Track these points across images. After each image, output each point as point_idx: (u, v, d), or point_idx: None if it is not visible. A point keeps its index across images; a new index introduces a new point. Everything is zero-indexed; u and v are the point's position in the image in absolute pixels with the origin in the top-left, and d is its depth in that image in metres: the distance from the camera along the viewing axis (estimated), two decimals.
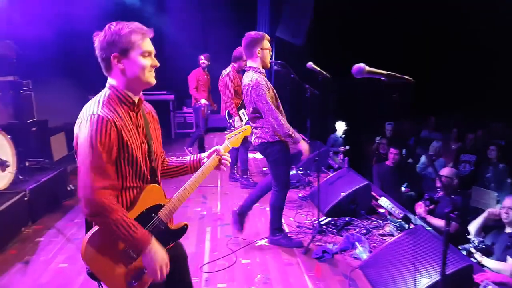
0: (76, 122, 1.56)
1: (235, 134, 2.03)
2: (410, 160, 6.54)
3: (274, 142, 3.37)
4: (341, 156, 6.46)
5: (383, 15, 7.42)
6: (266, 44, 3.32)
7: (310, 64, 3.47)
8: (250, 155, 7.34)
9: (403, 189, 5.31)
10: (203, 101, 6.53)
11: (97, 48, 1.60)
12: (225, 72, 5.31)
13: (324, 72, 3.46)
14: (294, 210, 4.53)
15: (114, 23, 1.59)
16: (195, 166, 1.92)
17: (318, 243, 3.68)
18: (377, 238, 3.65)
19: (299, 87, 3.73)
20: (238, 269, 3.36)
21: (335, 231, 3.85)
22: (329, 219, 4.05)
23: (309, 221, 4.17)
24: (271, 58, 3.49)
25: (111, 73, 1.63)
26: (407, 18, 7.52)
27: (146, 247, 1.56)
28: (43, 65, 6.30)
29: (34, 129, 5.43)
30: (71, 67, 6.98)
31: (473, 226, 3.47)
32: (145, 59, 1.61)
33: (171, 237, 1.79)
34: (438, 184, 4.09)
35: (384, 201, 3.81)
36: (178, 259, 1.91)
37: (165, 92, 8.88)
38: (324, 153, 6.27)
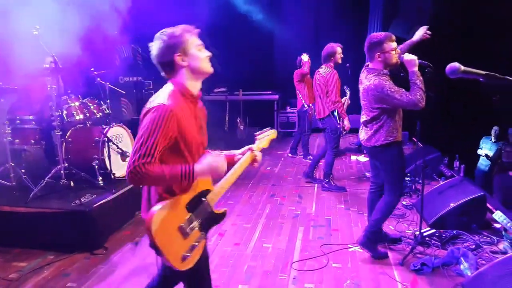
0: (142, 111, 1.78)
1: (264, 137, 2.27)
2: None
3: (390, 144, 3.22)
4: (457, 163, 5.84)
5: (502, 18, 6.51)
6: (388, 46, 3.13)
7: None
8: (353, 157, 7.15)
9: None
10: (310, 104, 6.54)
11: (156, 56, 1.82)
12: (326, 71, 5.17)
13: (430, 65, 3.17)
14: (396, 218, 4.25)
15: (164, 31, 1.82)
16: (229, 161, 2.06)
17: (418, 255, 3.40)
18: (487, 255, 3.23)
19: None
20: (327, 272, 3.29)
21: (439, 243, 3.52)
22: (433, 230, 3.71)
23: (411, 231, 3.88)
24: None
25: (175, 72, 1.84)
26: None
27: (194, 170, 1.72)
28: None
29: None
30: None
31: None
32: (200, 51, 1.84)
33: (214, 220, 1.97)
34: None
35: (499, 216, 3.35)
36: (204, 256, 2.04)
37: (270, 92, 9.11)
38: (437, 159, 5.76)
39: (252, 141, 7.82)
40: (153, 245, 1.69)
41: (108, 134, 4.35)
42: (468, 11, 7.00)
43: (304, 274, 3.26)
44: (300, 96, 6.62)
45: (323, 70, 5.18)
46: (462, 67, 1.34)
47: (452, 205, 3.80)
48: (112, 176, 4.37)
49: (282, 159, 7.21)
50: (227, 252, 3.64)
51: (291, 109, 9.31)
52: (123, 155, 4.56)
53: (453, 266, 3.16)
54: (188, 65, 1.81)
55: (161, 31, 1.83)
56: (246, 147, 2.12)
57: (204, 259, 2.06)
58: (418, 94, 2.96)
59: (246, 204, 4.86)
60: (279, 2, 9.56)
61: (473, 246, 3.38)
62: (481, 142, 6.50)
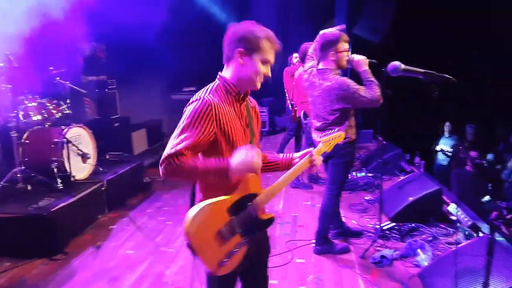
0: (186, 106, 1.72)
1: (330, 139, 2.05)
2: (498, 167, 5.91)
3: (344, 144, 3.13)
4: (418, 159, 6.04)
5: (471, 16, 6.81)
6: (342, 46, 3.07)
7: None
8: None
9: (487, 198, 4.82)
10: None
11: (227, 37, 1.73)
12: (300, 70, 5.19)
13: (376, 62, 3.16)
14: (359, 213, 4.36)
15: (252, 22, 1.72)
16: (287, 164, 1.94)
17: (378, 248, 3.49)
18: (443, 246, 3.36)
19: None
20: (291, 267, 3.33)
21: (398, 236, 3.63)
22: (393, 224, 3.83)
23: (372, 225, 3.98)
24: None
25: (229, 63, 1.75)
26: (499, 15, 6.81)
27: (228, 165, 1.60)
28: (128, 67, 6.89)
29: (116, 125, 5.94)
30: (154, 69, 7.51)
31: None
32: (262, 66, 1.71)
33: (258, 226, 1.83)
34: None
35: (453, 208, 3.49)
36: (263, 252, 2.01)
37: None
38: (398, 156, 5.93)
39: None
40: (190, 247, 1.61)
41: (68, 135, 4.22)
42: (429, 13, 7.26)
43: (268, 271, 3.28)
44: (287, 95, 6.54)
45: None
46: (403, 66, 1.39)
47: (410, 199, 3.93)
48: (72, 179, 4.24)
49: None
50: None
51: (261, 108, 9.34)
52: (84, 157, 4.44)
53: (411, 257, 3.26)
54: (242, 65, 1.70)
55: (251, 21, 1.72)
56: (306, 151, 1.96)
57: (264, 254, 2.02)
58: (377, 90, 2.96)
59: None
60: (248, 1, 9.58)
61: (430, 238, 3.50)
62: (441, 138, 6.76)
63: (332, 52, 3.07)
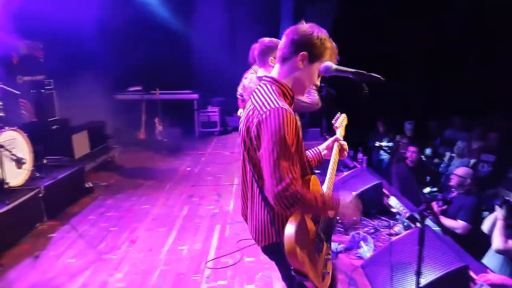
0: (247, 120, 1.57)
1: (341, 124, 2.11)
2: (436, 160, 6.29)
3: None
4: (360, 155, 6.29)
5: (406, 16, 7.22)
6: None
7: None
8: None
9: (427, 189, 5.11)
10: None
11: (290, 36, 1.60)
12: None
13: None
14: None
15: (322, 31, 1.62)
16: (319, 159, 1.95)
17: None
18: (384, 237, 3.52)
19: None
20: (241, 267, 3.34)
21: (342, 230, 3.75)
22: (337, 217, 3.94)
23: None
24: None
25: (284, 64, 1.63)
26: (429, 18, 7.29)
27: (335, 205, 1.58)
28: (67, 66, 6.56)
29: (55, 127, 5.62)
30: (96, 68, 7.22)
31: (486, 225, 3.26)
32: (317, 78, 1.67)
33: (331, 226, 1.80)
34: (451, 184, 3.89)
35: (393, 201, 3.67)
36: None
37: (189, 91, 8.99)
38: None
39: (173, 142, 7.56)
40: (297, 272, 1.47)
41: (0, 140, 3.94)
42: (369, 15, 7.58)
43: (218, 272, 3.27)
44: None
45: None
46: (334, 66, 1.43)
47: (353, 193, 4.06)
48: (6, 186, 3.96)
49: (203, 159, 7.14)
50: (139, 259, 3.51)
51: (212, 108, 9.28)
52: (19, 162, 4.15)
53: (354, 250, 3.38)
54: (300, 70, 1.60)
55: (321, 29, 1.61)
56: (330, 140, 1.96)
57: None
58: (316, 95, 3.05)
59: (163, 208, 4.73)
60: (194, 1, 9.45)
61: (372, 230, 3.65)
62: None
63: (272, 58, 3.04)
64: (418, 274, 1.60)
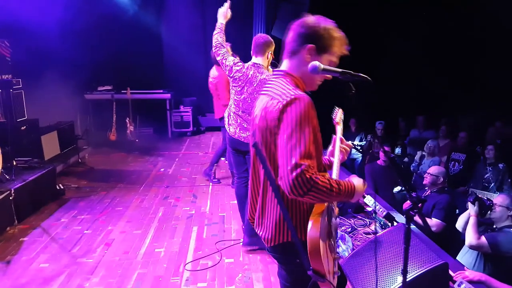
0: (266, 112, 1.50)
1: (340, 119, 2.10)
2: (406, 159, 6.48)
3: None
4: None
5: (380, 14, 7.38)
6: (271, 49, 3.35)
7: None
8: None
9: (398, 188, 5.25)
10: None
11: (296, 29, 1.58)
12: (215, 73, 5.21)
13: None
14: None
15: (325, 19, 1.58)
16: (328, 164, 1.89)
17: None
18: (361, 236, 3.61)
19: None
20: (220, 268, 3.33)
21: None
22: None
23: None
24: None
25: (292, 58, 1.60)
26: (402, 18, 7.49)
27: (354, 191, 1.49)
28: (35, 65, 6.33)
29: (23, 128, 5.42)
30: (65, 68, 7.00)
31: (460, 223, 3.39)
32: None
33: (337, 224, 1.77)
34: (425, 182, 4.03)
35: (369, 200, 3.76)
36: None
37: (161, 90, 8.85)
38: None
39: (146, 142, 7.41)
40: (317, 273, 1.41)
41: None
42: (342, 13, 7.70)
43: (197, 274, 3.25)
44: None
45: (213, 72, 5.21)
46: (322, 66, 1.45)
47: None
48: None
49: (177, 159, 7.06)
50: (115, 262, 3.44)
51: (185, 108, 9.18)
52: None
53: None
54: (308, 64, 1.52)
55: (327, 19, 1.58)
56: (337, 140, 1.92)
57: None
58: None
59: (137, 209, 4.64)
60: (165, 0, 9.33)
61: (350, 229, 3.73)
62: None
63: (271, 52, 3.32)
64: (405, 272, 1.64)
